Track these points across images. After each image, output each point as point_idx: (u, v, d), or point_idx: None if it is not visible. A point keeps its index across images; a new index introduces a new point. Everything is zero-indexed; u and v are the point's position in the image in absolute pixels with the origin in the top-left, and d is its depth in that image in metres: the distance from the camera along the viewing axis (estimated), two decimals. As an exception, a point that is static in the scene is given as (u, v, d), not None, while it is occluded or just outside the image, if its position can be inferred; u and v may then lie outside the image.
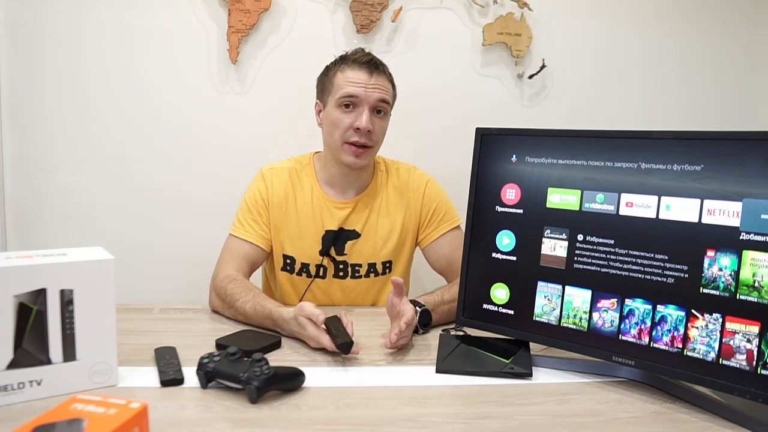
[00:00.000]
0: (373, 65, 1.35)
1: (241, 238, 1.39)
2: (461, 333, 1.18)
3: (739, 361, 0.87)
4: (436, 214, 1.47)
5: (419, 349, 1.14)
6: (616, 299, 0.99)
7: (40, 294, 0.85)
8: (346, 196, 1.44)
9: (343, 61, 1.37)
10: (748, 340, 0.86)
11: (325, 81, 1.40)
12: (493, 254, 1.12)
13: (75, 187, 1.77)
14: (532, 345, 1.11)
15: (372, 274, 1.44)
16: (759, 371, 0.85)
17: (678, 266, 0.93)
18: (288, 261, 1.43)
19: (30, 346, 0.86)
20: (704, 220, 0.91)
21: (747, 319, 0.86)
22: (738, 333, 0.87)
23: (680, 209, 0.93)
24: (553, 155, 1.05)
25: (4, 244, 1.75)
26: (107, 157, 1.77)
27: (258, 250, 1.39)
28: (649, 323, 0.95)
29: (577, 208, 1.03)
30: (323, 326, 1.07)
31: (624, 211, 0.98)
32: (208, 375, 0.91)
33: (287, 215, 1.41)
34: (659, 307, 0.95)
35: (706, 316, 0.90)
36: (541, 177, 1.07)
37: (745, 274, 0.87)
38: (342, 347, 1.02)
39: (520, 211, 1.09)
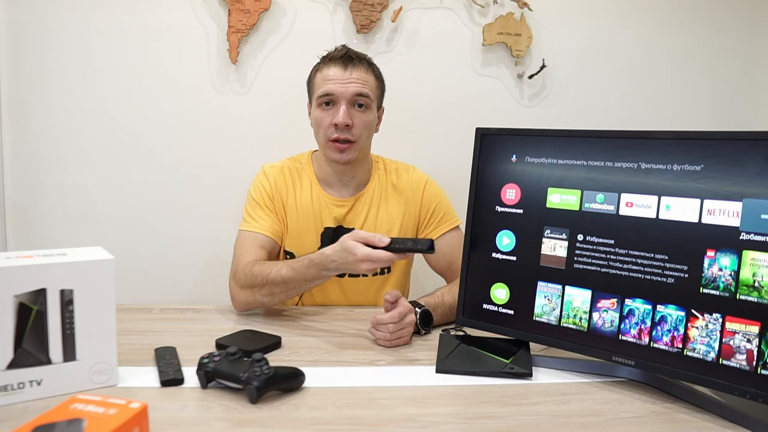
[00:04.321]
0: (348, 58, 1.35)
1: (253, 231, 1.38)
2: (461, 333, 1.18)
3: (739, 361, 0.87)
4: (435, 214, 1.47)
5: (419, 349, 1.14)
6: (616, 299, 0.99)
7: (40, 294, 0.85)
8: (344, 194, 1.44)
9: (322, 60, 1.39)
10: (748, 340, 0.86)
11: (309, 83, 1.43)
12: (493, 254, 1.12)
13: (75, 187, 1.77)
14: (532, 345, 1.11)
15: (371, 273, 1.44)
16: (759, 371, 0.85)
17: (678, 266, 0.93)
18: (288, 257, 1.43)
19: (30, 346, 0.86)
20: (704, 220, 0.91)
21: (747, 319, 0.86)
22: (738, 333, 0.87)
23: (680, 209, 0.93)
24: (553, 155, 1.05)
25: (4, 244, 1.75)
26: (107, 157, 1.77)
27: (271, 242, 1.38)
28: (649, 323, 0.95)
29: (577, 208, 1.03)
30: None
31: (624, 211, 0.98)
32: (208, 375, 0.91)
33: (287, 212, 1.42)
34: (659, 307, 0.95)
35: (706, 316, 0.90)
36: (541, 177, 1.07)
37: (745, 274, 0.87)
38: (429, 248, 1.04)
39: (520, 211, 1.09)
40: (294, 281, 1.20)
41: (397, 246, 1.06)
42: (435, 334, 1.19)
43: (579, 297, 1.02)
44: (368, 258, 1.06)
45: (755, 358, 0.85)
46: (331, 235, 1.41)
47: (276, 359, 1.05)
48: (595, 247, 1.01)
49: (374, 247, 1.07)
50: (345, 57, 1.35)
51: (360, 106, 1.35)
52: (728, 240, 0.88)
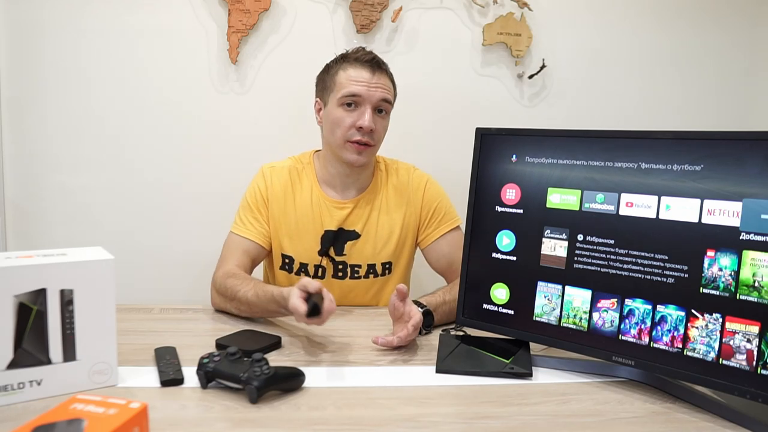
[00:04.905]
0: (376, 64, 1.34)
1: (241, 235, 1.39)
2: (461, 333, 1.18)
3: (739, 361, 0.87)
4: (436, 214, 1.46)
5: (419, 349, 1.14)
6: (616, 299, 0.99)
7: (40, 294, 0.85)
8: (345, 196, 1.44)
9: (345, 59, 1.37)
10: (748, 340, 0.86)
11: (326, 79, 1.39)
12: (493, 254, 1.12)
13: (75, 187, 1.77)
14: (532, 345, 1.11)
15: (371, 275, 1.44)
16: (759, 371, 0.85)
17: (678, 266, 0.93)
18: (287, 260, 1.42)
19: (30, 346, 0.86)
20: (704, 220, 0.91)
21: (747, 319, 0.86)
22: (738, 333, 0.87)
23: (680, 209, 0.93)
24: (553, 155, 1.05)
25: (4, 244, 1.75)
26: (107, 157, 1.77)
27: (258, 247, 1.39)
28: (649, 323, 0.95)
29: (577, 208, 1.03)
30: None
31: (624, 211, 0.98)
32: (208, 375, 0.91)
33: (286, 214, 1.41)
34: (659, 307, 0.95)
35: (706, 316, 0.90)
36: (541, 177, 1.07)
37: (745, 274, 0.87)
38: (310, 313, 1.00)
39: (520, 211, 1.09)
40: (257, 307, 1.20)
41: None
42: (435, 334, 1.19)
43: (579, 297, 1.02)
44: (293, 309, 1.03)
45: (755, 358, 0.85)
46: (332, 238, 1.41)
47: (276, 359, 1.05)
48: (595, 247, 1.01)
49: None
50: (373, 62, 1.34)
51: (380, 112, 1.36)
52: (728, 240, 0.88)
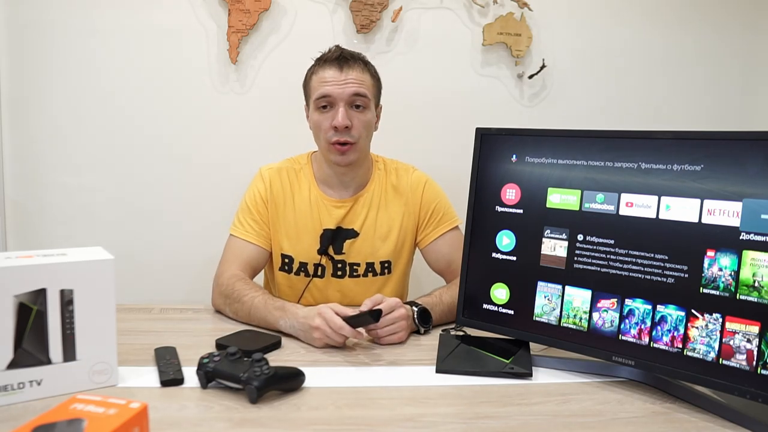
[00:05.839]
0: (343, 59, 1.33)
1: (243, 238, 1.39)
2: (461, 333, 1.18)
3: (739, 361, 0.87)
4: (435, 214, 1.46)
5: (419, 349, 1.14)
6: (616, 299, 0.99)
7: (40, 294, 0.85)
8: (343, 194, 1.44)
9: (317, 62, 1.38)
10: (748, 340, 0.86)
11: (305, 85, 1.42)
12: (493, 254, 1.12)
13: (75, 187, 1.77)
14: (532, 345, 1.11)
15: (370, 274, 1.44)
16: (759, 371, 0.85)
17: (678, 266, 0.93)
18: (286, 260, 1.43)
19: (30, 346, 0.86)
20: (704, 220, 0.91)
21: (747, 319, 0.86)
22: (738, 333, 0.87)
23: (680, 209, 0.93)
24: (553, 155, 1.05)
25: (4, 244, 1.75)
26: (107, 157, 1.77)
27: (260, 251, 1.40)
28: (649, 323, 0.95)
29: (577, 208, 1.03)
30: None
31: (624, 211, 0.98)
32: (208, 375, 0.91)
33: (285, 214, 1.42)
34: (659, 307, 0.95)
35: (706, 316, 0.90)
36: (541, 177, 1.07)
37: (745, 274, 0.87)
38: (373, 314, 1.06)
39: (520, 211, 1.09)
40: (259, 312, 1.20)
41: (353, 321, 1.08)
42: (435, 334, 1.19)
43: (579, 297, 1.02)
44: (320, 327, 1.09)
45: (755, 358, 0.85)
46: (331, 237, 1.41)
47: (276, 359, 1.05)
48: (595, 247, 1.01)
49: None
50: (340, 58, 1.33)
51: (358, 107, 1.34)
52: (728, 240, 0.88)
